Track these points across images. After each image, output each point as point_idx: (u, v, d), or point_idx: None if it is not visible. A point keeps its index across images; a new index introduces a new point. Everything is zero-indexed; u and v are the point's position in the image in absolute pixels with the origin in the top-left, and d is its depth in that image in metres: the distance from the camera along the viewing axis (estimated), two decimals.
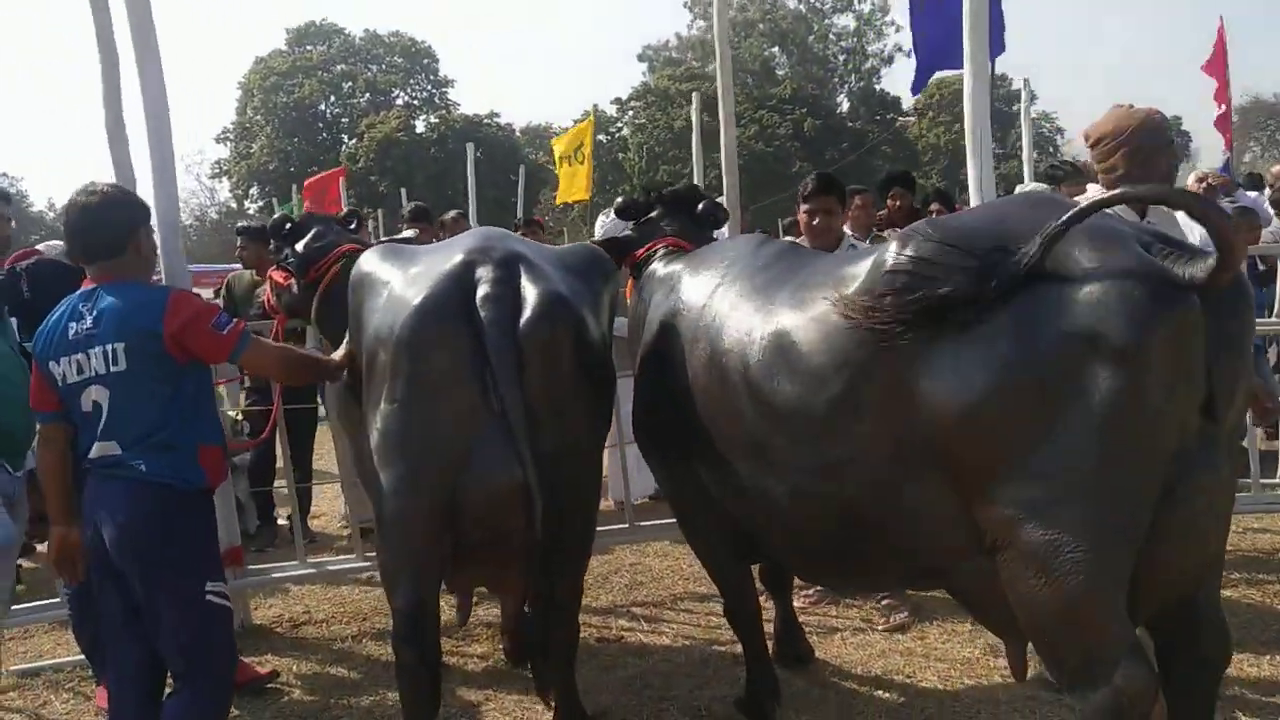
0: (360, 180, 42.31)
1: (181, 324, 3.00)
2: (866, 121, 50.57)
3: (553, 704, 3.40)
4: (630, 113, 50.79)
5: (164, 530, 3.00)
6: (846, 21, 55.18)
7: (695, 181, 12.64)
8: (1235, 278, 2.20)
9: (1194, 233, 3.31)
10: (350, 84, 55.48)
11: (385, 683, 4.16)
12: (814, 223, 4.40)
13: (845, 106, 52.96)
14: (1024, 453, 2.17)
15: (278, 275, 4.52)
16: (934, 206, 7.07)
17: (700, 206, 4.00)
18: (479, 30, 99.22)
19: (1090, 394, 2.09)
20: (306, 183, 17.46)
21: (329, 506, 7.52)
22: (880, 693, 3.76)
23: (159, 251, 3.30)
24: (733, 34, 56.24)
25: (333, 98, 55.38)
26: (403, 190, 17.52)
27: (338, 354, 3.37)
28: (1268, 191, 7.42)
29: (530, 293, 2.87)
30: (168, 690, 3.09)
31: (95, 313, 3.02)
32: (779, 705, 3.58)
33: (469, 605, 3.78)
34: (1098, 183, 3.61)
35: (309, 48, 55.89)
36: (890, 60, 54.14)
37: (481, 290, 2.84)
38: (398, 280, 3.00)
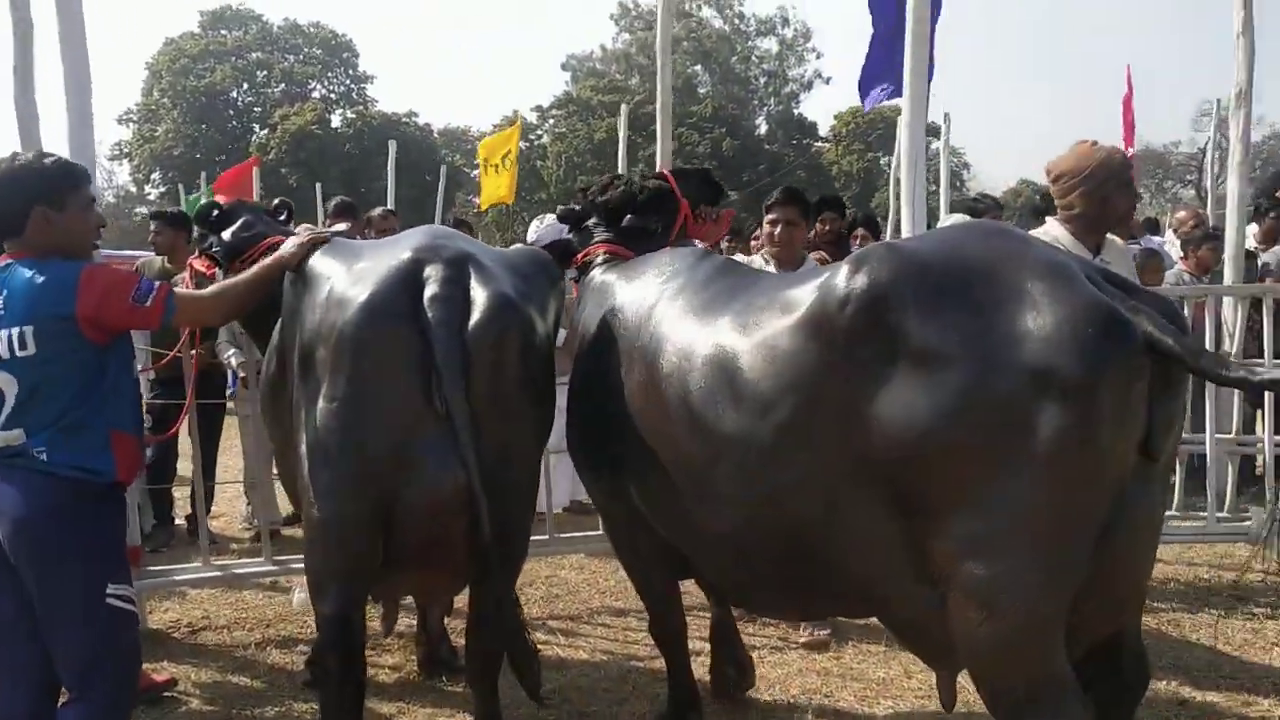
0: (271, 172, 41.10)
1: (96, 304, 2.83)
2: (784, 145, 51.44)
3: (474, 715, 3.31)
4: (551, 121, 50.66)
5: (63, 525, 2.81)
6: (769, 45, 56.18)
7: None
8: (1178, 318, 2.28)
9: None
10: (265, 73, 54.02)
11: (290, 693, 4.03)
12: (777, 232, 4.48)
13: (764, 129, 53.78)
14: (972, 486, 2.16)
15: (200, 263, 4.36)
16: (860, 232, 7.21)
17: (628, 218, 3.87)
18: (401, 27, 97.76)
19: (1040, 430, 2.08)
20: (220, 177, 16.89)
21: (228, 507, 7.26)
22: (798, 712, 3.77)
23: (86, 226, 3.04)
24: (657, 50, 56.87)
25: (246, 85, 53.86)
26: (318, 185, 17.08)
27: (286, 248, 3.18)
28: (1169, 235, 7.80)
29: (479, 294, 2.79)
30: (63, 699, 2.91)
31: (5, 292, 2.84)
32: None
33: (395, 614, 3.66)
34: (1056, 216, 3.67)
35: (223, 32, 54.26)
36: (810, 86, 55.33)
37: (430, 289, 2.76)
38: (341, 275, 2.89)
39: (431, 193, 17.90)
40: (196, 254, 4.44)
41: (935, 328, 2.20)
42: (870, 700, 3.85)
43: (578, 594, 5.26)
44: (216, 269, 4.23)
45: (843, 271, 2.38)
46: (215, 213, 4.33)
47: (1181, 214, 7.85)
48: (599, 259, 3.63)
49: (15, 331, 2.81)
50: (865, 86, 6.61)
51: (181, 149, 49.20)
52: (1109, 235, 3.67)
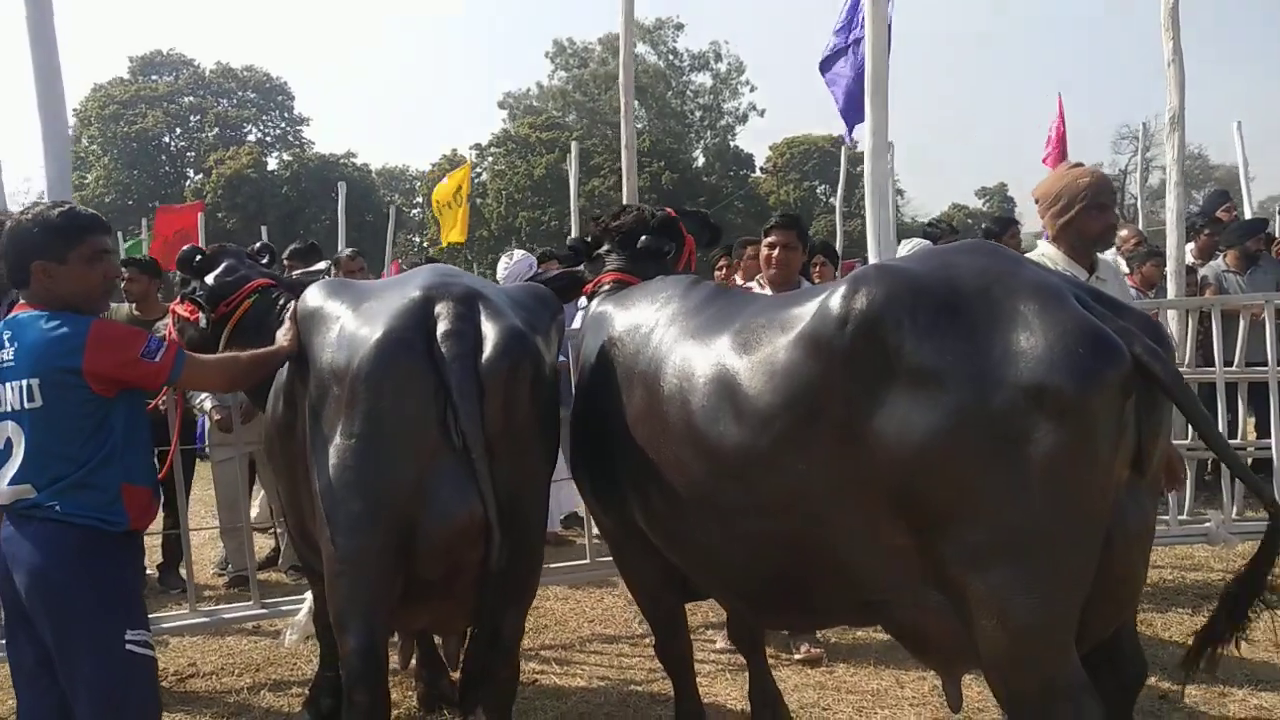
0: (209, 217, 40.57)
1: (105, 358, 2.84)
2: (721, 177, 52.23)
3: None
4: (490, 159, 50.81)
5: (80, 574, 2.81)
6: (704, 79, 57.11)
7: (571, 229, 12.83)
8: (1163, 340, 2.40)
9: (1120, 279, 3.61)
10: (198, 117, 53.50)
11: None
12: (774, 254, 4.59)
13: (701, 161, 54.54)
14: (973, 500, 2.24)
15: (183, 309, 4.35)
16: (819, 259, 7.40)
17: (643, 239, 3.88)
18: (336, 70, 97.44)
19: (1034, 445, 2.16)
20: (159, 214, 16.68)
21: (197, 555, 7.13)
22: None
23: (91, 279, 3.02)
24: (594, 86, 57.52)
25: (179, 130, 53.25)
26: (263, 229, 16.92)
27: (282, 338, 3.21)
28: (1111, 253, 8.12)
29: (490, 329, 2.87)
30: None
31: (15, 343, 2.86)
32: None
33: (412, 647, 3.67)
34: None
35: (154, 77, 53.70)
36: (745, 119, 56.34)
37: (442, 326, 2.83)
38: (350, 315, 2.94)
39: (374, 234, 17.92)
40: (179, 299, 4.44)
41: (931, 347, 2.28)
42: (867, 711, 3.96)
43: (566, 624, 5.29)
44: (199, 314, 4.24)
45: (840, 292, 2.44)
46: (198, 257, 4.35)
47: (1124, 233, 8.20)
48: (605, 288, 3.68)
49: (23, 384, 2.81)
50: (850, 121, 6.85)
51: (114, 195, 48.41)
52: (1102, 254, 3.80)
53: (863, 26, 6.71)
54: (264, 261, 4.52)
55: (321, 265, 5.06)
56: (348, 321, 2.93)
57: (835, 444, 2.41)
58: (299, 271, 4.96)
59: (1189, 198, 9.81)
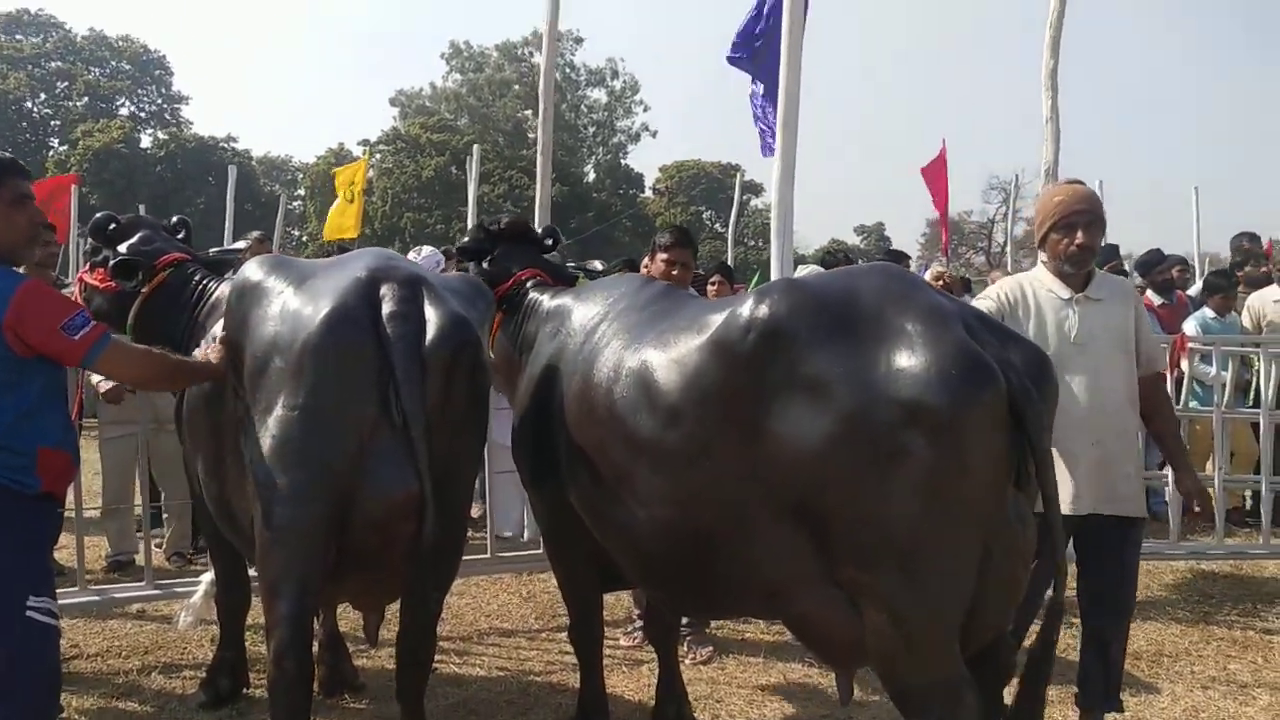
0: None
1: (28, 319, 2.80)
2: (611, 194, 52.58)
3: None
4: (379, 156, 49.86)
5: None
6: (599, 95, 57.55)
7: (467, 228, 12.84)
8: (1044, 370, 2.64)
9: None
10: (66, 84, 50.68)
11: (186, 715, 4.01)
12: (673, 272, 4.70)
13: (592, 177, 54.85)
14: (858, 503, 2.43)
15: (92, 277, 4.25)
16: (717, 278, 7.67)
17: (542, 231, 4.20)
18: (220, 49, 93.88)
19: (912, 457, 2.36)
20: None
21: (67, 539, 6.85)
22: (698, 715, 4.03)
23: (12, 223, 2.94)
24: (489, 92, 57.23)
25: (43, 96, 50.33)
26: (140, 207, 16.16)
27: (207, 354, 3.23)
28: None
29: (433, 313, 2.97)
30: None
31: None
32: None
33: (379, 622, 3.65)
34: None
35: (19, 37, 50.63)
36: (637, 138, 57.02)
37: (387, 307, 2.92)
38: (293, 291, 3.00)
39: (254, 223, 17.42)
40: (88, 266, 4.34)
41: (824, 359, 2.47)
42: (757, 703, 4.18)
43: (463, 617, 5.34)
44: (109, 281, 4.12)
45: (748, 303, 2.64)
46: (112, 225, 4.26)
47: (996, 275, 8.77)
48: (531, 283, 3.84)
49: None
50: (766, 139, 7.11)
51: None
52: (1101, 271, 3.78)
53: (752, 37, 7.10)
54: (179, 236, 4.46)
55: (241, 244, 5.01)
56: (293, 296, 2.98)
57: (739, 443, 2.59)
58: (216, 249, 4.91)
59: None
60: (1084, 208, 3.54)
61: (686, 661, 4.65)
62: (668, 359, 2.81)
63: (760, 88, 7.10)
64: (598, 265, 4.47)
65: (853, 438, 2.41)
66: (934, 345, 2.41)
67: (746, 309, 2.62)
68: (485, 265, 4.02)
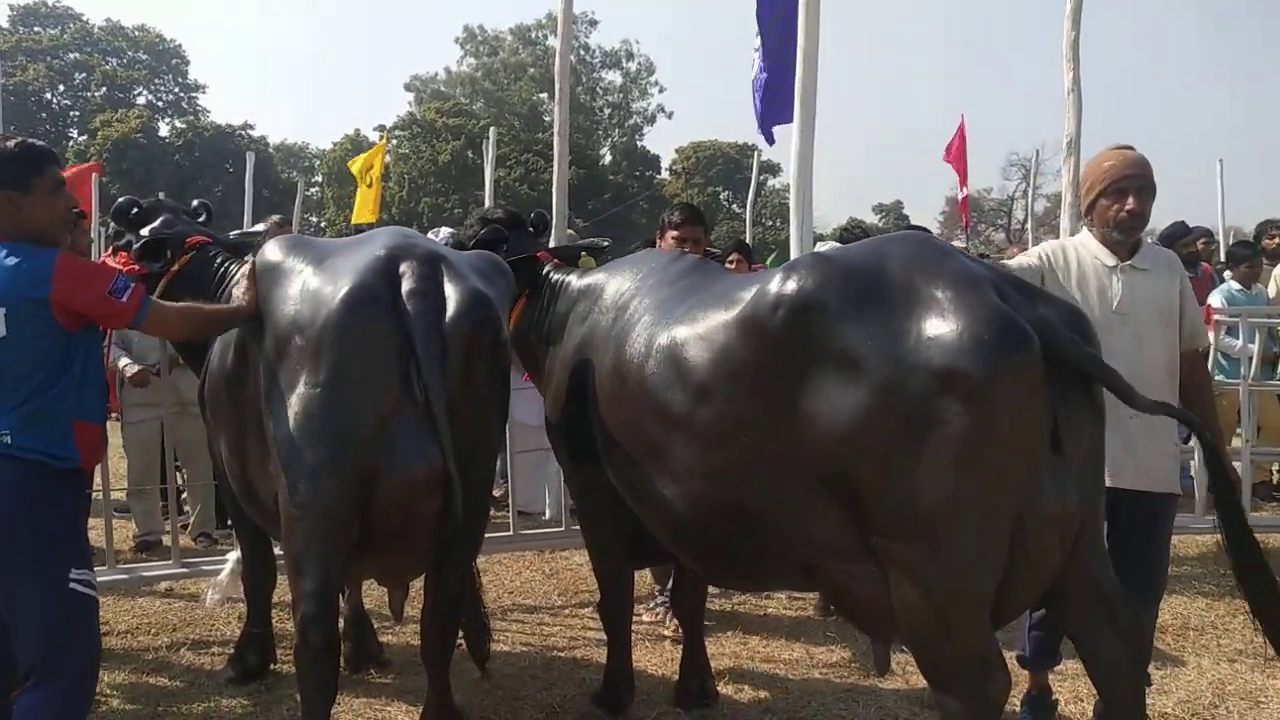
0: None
1: (74, 291, 2.85)
2: (628, 176, 52.48)
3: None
4: (395, 141, 49.92)
5: (27, 509, 2.81)
6: (614, 77, 57.35)
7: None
8: (1082, 327, 2.60)
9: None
10: (85, 75, 50.97)
11: (214, 689, 4.03)
12: (684, 249, 4.68)
13: (608, 159, 54.73)
14: (892, 474, 2.41)
15: (115, 260, 4.28)
16: (735, 257, 7.64)
17: (532, 217, 4.23)
18: (235, 37, 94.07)
19: (945, 425, 2.33)
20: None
21: (95, 520, 6.94)
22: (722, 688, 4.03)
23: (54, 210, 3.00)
24: (504, 76, 57.18)
25: (61, 87, 50.65)
26: (160, 195, 16.19)
27: (241, 297, 3.26)
28: None
29: (452, 290, 2.99)
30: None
31: None
32: (633, 700, 3.78)
33: (405, 597, 3.69)
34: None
35: (37, 29, 50.91)
36: (653, 120, 56.81)
37: (407, 284, 2.93)
38: (313, 270, 3.02)
39: (271, 209, 17.49)
40: (111, 250, 4.38)
41: (854, 331, 2.46)
42: (780, 678, 4.18)
43: (487, 594, 5.35)
44: (133, 264, 4.17)
45: (776, 278, 2.65)
46: (135, 209, 4.30)
47: (1014, 251, 8.70)
48: (549, 267, 3.89)
49: None
50: (765, 123, 7.05)
51: None
52: (1148, 242, 3.64)
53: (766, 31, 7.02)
54: (200, 220, 4.49)
55: (261, 226, 5.04)
56: (313, 275, 3.01)
57: (771, 418, 2.60)
58: (237, 232, 4.94)
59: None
60: (1135, 172, 3.42)
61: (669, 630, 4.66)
62: (697, 335, 2.82)
63: (763, 75, 7.00)
64: (603, 243, 4.45)
65: (887, 408, 2.40)
66: (966, 311, 2.38)
67: (775, 284, 2.62)
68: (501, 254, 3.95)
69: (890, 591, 2.52)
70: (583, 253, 4.29)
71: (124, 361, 5.73)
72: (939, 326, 2.38)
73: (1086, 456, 2.58)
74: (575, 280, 3.72)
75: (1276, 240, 8.57)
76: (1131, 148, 3.58)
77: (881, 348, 2.42)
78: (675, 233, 4.84)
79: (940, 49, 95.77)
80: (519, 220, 4.15)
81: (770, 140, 7.20)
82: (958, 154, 12.87)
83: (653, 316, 3.08)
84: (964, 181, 12.85)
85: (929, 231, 8.99)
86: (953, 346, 2.34)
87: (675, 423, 2.83)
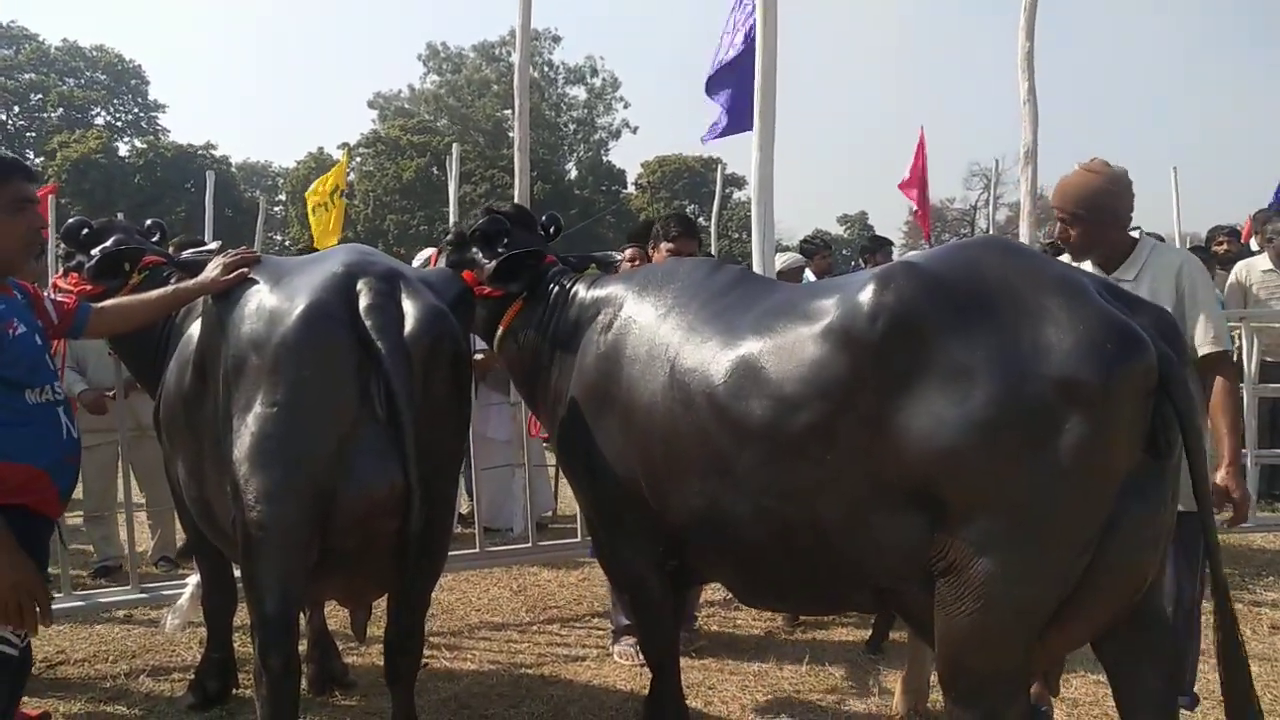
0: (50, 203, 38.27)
1: None
2: (594, 191, 52.56)
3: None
4: (359, 159, 49.70)
5: None
6: (579, 93, 57.48)
7: (450, 228, 12.78)
8: (1174, 336, 2.48)
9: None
10: (40, 96, 50.30)
11: (175, 717, 3.97)
12: None
13: (574, 174, 54.80)
14: (995, 490, 2.30)
15: (66, 282, 4.21)
16: (630, 252, 7.64)
17: (544, 219, 3.92)
18: (195, 57, 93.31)
19: (1060, 437, 2.23)
20: None
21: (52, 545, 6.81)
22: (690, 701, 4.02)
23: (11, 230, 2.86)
24: (468, 92, 57.08)
25: (17, 108, 49.94)
26: (120, 216, 15.97)
27: (210, 271, 3.16)
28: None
29: (410, 306, 2.95)
30: None
31: None
32: None
33: (367, 617, 3.55)
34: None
35: None
36: (618, 134, 57.00)
37: (364, 300, 2.89)
38: (270, 288, 2.97)
39: (234, 230, 17.36)
40: (62, 272, 4.31)
41: (961, 343, 2.33)
42: (749, 689, 4.17)
43: (453, 612, 5.34)
44: (85, 285, 4.09)
45: (870, 288, 2.49)
46: (85, 230, 4.23)
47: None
48: (554, 271, 3.63)
49: None
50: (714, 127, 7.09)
51: None
52: (1153, 246, 3.56)
53: (738, 37, 7.07)
54: (154, 239, 4.43)
55: (214, 245, 4.98)
56: (270, 293, 2.96)
57: (861, 436, 2.45)
58: (190, 250, 4.87)
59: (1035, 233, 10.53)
60: (1058, 204, 3.49)
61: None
62: (776, 347, 2.65)
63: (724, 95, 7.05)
64: (615, 256, 4.31)
65: (997, 423, 2.28)
66: (1080, 318, 2.29)
67: (869, 295, 2.48)
68: (499, 250, 3.66)
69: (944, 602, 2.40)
70: (590, 264, 4.14)
71: (78, 387, 5.63)
72: (1055, 335, 2.29)
73: (1176, 467, 2.47)
74: (586, 288, 3.48)
75: (1225, 246, 8.72)
76: (1096, 167, 3.52)
77: (991, 359, 2.31)
78: (670, 245, 4.77)
79: (904, 60, 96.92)
80: (527, 218, 3.90)
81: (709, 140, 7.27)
82: (917, 172, 12.90)
83: (715, 328, 2.88)
84: (923, 198, 12.96)
85: (891, 243, 9.10)
86: (1072, 355, 2.25)
87: (751, 439, 2.65)
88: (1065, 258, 3.58)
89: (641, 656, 4.40)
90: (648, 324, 3.10)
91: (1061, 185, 3.51)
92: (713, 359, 2.79)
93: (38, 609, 2.65)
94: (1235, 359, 6.34)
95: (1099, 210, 3.44)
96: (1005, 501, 2.30)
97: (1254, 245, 8.66)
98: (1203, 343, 3.36)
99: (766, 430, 2.61)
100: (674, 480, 2.90)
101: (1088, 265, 3.49)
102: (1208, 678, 3.99)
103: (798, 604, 3.24)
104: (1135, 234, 3.67)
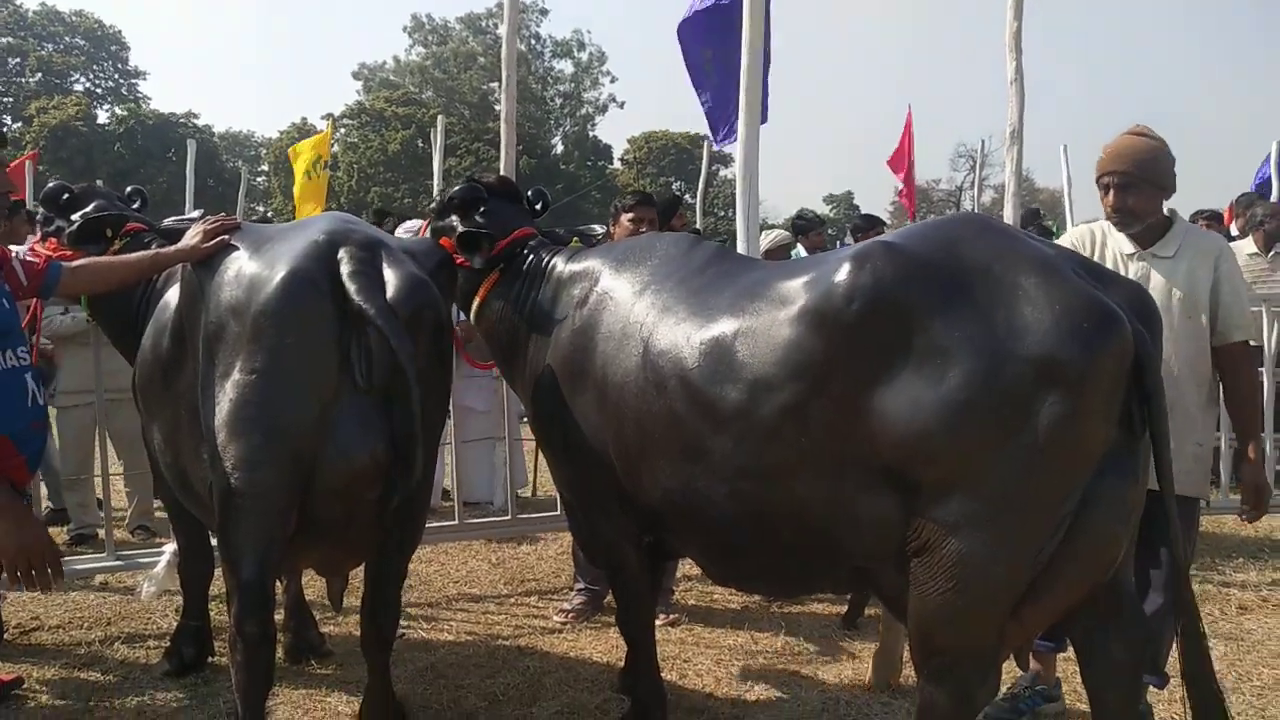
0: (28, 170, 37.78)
1: None
2: (579, 166, 52.30)
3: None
4: (343, 130, 49.25)
5: None
6: (566, 67, 57.07)
7: (434, 200, 12.71)
8: (1148, 312, 2.50)
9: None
10: (18, 60, 49.55)
11: (149, 684, 3.95)
12: (641, 230, 4.62)
13: (560, 149, 54.50)
14: (972, 470, 2.30)
15: (45, 247, 4.16)
16: None
17: (530, 194, 3.88)
18: (177, 23, 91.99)
19: (1039, 416, 2.23)
20: None
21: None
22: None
23: None
24: (453, 65, 56.59)
25: None
26: (98, 183, 15.78)
27: (191, 238, 3.12)
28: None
29: (392, 274, 2.93)
30: None
31: None
32: (665, 716, 3.46)
33: (343, 588, 3.54)
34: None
35: None
36: (605, 109, 56.67)
37: (346, 268, 2.87)
38: (250, 255, 2.95)
39: (217, 200, 17.20)
40: (40, 237, 4.26)
41: (938, 323, 2.32)
42: (725, 662, 4.21)
43: (431, 584, 5.35)
44: (65, 250, 4.05)
45: (846, 268, 2.45)
46: (65, 195, 4.19)
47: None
48: (532, 243, 3.58)
49: None
50: (716, 127, 7.01)
51: None
52: (1188, 225, 3.51)
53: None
54: (135, 207, 4.38)
55: (196, 214, 4.93)
56: (250, 260, 2.94)
57: (835, 417, 2.44)
58: (172, 218, 4.82)
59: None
60: (1114, 167, 3.36)
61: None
62: (751, 327, 2.62)
63: (713, 75, 6.94)
64: (598, 230, 4.30)
65: (976, 403, 2.27)
66: (1057, 297, 2.29)
67: (845, 275, 2.44)
68: (477, 219, 3.63)
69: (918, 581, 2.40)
70: (574, 238, 4.11)
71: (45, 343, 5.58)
72: (1032, 314, 2.28)
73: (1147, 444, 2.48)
74: (564, 262, 3.43)
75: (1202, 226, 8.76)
76: (1144, 133, 3.44)
77: (970, 338, 2.29)
78: (630, 215, 4.81)
79: (892, 40, 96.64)
80: (511, 190, 3.84)
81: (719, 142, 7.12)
82: (903, 151, 12.91)
83: (690, 307, 2.84)
84: (909, 178, 12.98)
85: (883, 222, 9.08)
86: (1050, 335, 2.25)
87: (725, 420, 2.62)
88: (1098, 226, 3.53)
89: (574, 614, 4.67)
90: (623, 300, 3.06)
91: (1116, 147, 3.39)
92: (686, 339, 2.77)
93: (49, 570, 2.72)
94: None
95: (1159, 175, 3.36)
96: (982, 482, 2.30)
97: (1234, 230, 8.70)
98: (1235, 330, 3.31)
99: (741, 411, 2.59)
100: (647, 459, 2.87)
101: (1124, 240, 3.41)
102: (1177, 657, 4.06)
103: (771, 585, 3.20)
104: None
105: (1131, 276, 3.25)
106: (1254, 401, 3.29)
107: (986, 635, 2.43)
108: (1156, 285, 3.30)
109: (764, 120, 6.11)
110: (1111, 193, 3.37)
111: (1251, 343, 3.33)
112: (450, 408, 4.47)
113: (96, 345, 4.77)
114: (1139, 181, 3.35)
